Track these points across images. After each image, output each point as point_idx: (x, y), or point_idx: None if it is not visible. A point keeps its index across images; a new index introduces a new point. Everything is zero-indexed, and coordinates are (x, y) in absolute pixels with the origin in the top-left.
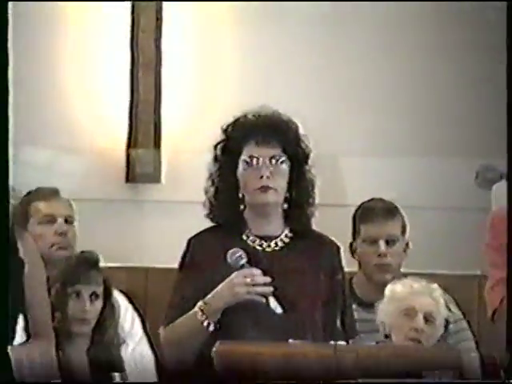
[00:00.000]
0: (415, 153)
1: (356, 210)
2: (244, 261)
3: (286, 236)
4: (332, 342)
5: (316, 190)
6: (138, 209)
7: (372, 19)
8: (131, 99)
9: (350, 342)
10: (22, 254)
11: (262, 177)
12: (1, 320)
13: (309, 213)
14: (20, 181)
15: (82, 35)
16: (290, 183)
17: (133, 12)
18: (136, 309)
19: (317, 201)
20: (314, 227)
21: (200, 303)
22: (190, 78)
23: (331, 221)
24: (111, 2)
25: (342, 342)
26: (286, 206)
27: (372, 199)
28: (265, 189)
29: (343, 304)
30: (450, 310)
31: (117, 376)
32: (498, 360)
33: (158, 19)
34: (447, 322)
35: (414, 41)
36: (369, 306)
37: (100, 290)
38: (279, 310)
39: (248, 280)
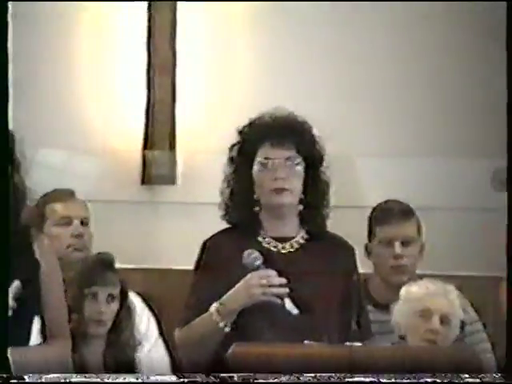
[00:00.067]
0: (432, 153)
1: (372, 212)
2: (260, 262)
3: (301, 237)
4: (347, 343)
5: (331, 192)
6: (153, 210)
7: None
8: (148, 100)
9: (365, 343)
10: (37, 255)
11: (277, 178)
12: (1, 320)
13: (324, 214)
14: (36, 182)
15: (97, 36)
16: (304, 185)
17: (149, 11)
18: (152, 310)
19: (332, 202)
20: (328, 229)
21: (216, 304)
22: (204, 78)
23: (346, 222)
24: (127, 2)
25: (358, 343)
26: (301, 207)
27: (388, 201)
28: (280, 190)
29: (358, 305)
30: (465, 311)
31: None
32: None
33: (173, 19)
34: (463, 324)
35: (431, 41)
36: (384, 307)
37: (116, 291)
38: (295, 312)
39: (264, 281)
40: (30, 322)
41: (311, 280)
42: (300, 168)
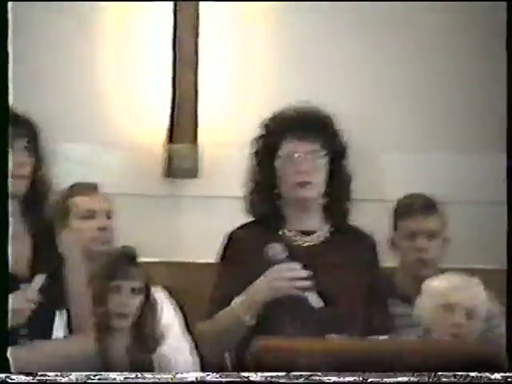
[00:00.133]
0: (454, 148)
1: (396, 205)
2: (283, 255)
3: (324, 231)
4: (370, 337)
5: (353, 185)
6: (175, 203)
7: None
8: (172, 95)
9: (389, 336)
10: (62, 249)
11: (300, 172)
12: (1, 320)
13: (347, 207)
14: (60, 176)
15: (123, 33)
16: (328, 178)
17: (174, 11)
18: (175, 304)
19: (356, 196)
20: (351, 222)
21: (239, 297)
22: (226, 74)
23: (370, 216)
24: (152, 2)
25: (381, 337)
26: (324, 200)
27: (412, 194)
28: (303, 184)
29: (381, 299)
30: (490, 305)
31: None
32: None
33: (196, 17)
34: (487, 317)
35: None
36: (408, 300)
37: (140, 284)
38: (319, 305)
39: (288, 274)
40: (54, 315)
41: (334, 273)
42: (323, 162)
